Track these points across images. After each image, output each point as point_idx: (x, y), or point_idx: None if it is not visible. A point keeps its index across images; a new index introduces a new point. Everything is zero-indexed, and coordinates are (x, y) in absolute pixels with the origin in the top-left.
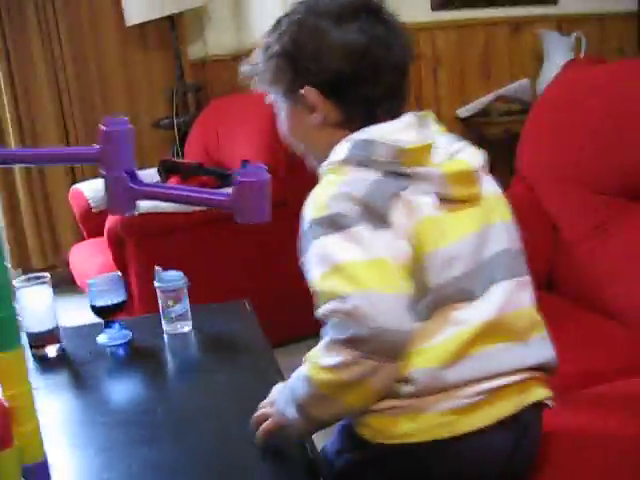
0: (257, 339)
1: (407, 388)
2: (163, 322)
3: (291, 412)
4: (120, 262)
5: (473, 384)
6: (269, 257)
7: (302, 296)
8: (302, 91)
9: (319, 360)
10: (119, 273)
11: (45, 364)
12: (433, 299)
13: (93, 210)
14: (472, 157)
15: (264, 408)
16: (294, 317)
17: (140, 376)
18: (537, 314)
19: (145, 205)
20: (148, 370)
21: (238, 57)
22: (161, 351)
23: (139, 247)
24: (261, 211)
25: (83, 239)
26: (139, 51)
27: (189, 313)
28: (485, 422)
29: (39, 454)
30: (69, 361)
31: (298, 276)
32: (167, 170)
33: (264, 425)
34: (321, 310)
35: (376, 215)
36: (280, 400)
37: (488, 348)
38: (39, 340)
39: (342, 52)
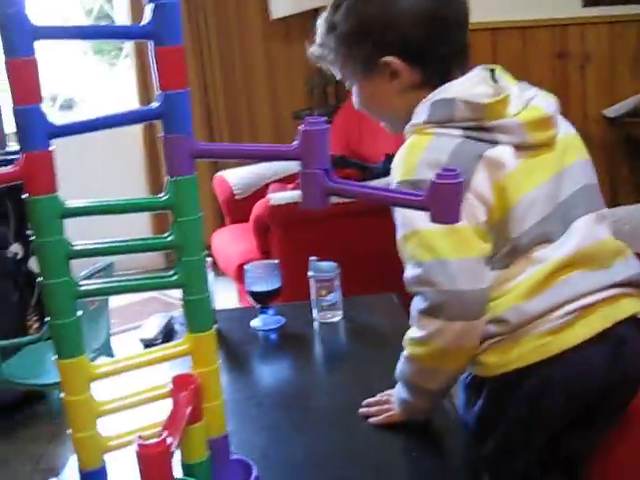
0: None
1: (500, 328)
2: (314, 310)
3: (409, 395)
4: (265, 249)
5: (557, 309)
6: None
7: None
8: (383, 60)
9: (413, 335)
10: (276, 261)
11: None
12: (514, 247)
13: (236, 197)
14: (546, 102)
15: (378, 403)
16: None
17: (293, 361)
18: (617, 242)
19: (291, 195)
20: (300, 356)
21: None
22: (312, 338)
23: (284, 235)
24: (455, 212)
25: (223, 224)
26: (281, 43)
27: (340, 303)
28: (579, 339)
29: (222, 428)
30: (225, 342)
31: None
32: None
33: (383, 417)
34: (405, 276)
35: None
36: (396, 390)
37: (567, 277)
38: None
39: (413, 17)
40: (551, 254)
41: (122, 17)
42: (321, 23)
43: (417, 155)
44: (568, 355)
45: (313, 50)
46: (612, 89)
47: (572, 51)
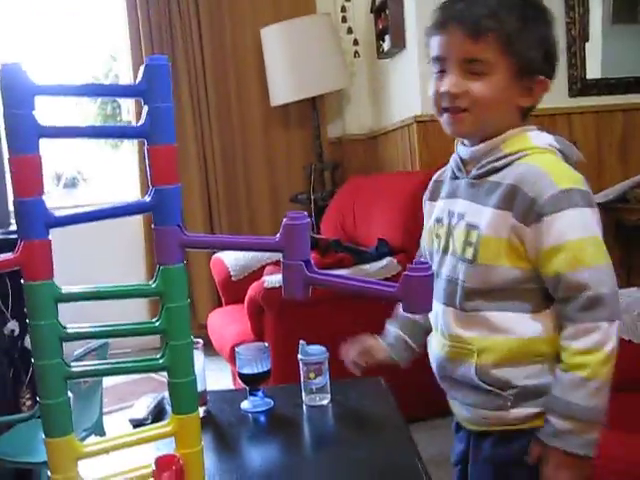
0: (394, 417)
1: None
2: (303, 393)
3: (594, 435)
4: (258, 331)
5: None
6: None
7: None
8: (541, 77)
9: (580, 346)
10: (266, 343)
11: None
12: None
13: (232, 278)
14: None
15: None
16: (421, 397)
17: (280, 444)
18: None
19: None
20: (288, 439)
21: (374, 136)
22: (300, 422)
23: (278, 318)
24: (427, 302)
25: (220, 305)
26: (281, 129)
27: (328, 386)
28: None
29: None
30: (215, 423)
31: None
32: None
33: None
34: (577, 279)
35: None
36: (575, 445)
37: None
38: None
39: (556, 50)
40: None
41: (127, 101)
42: (509, 5)
43: (570, 171)
44: None
45: (484, 15)
46: (600, 175)
47: None
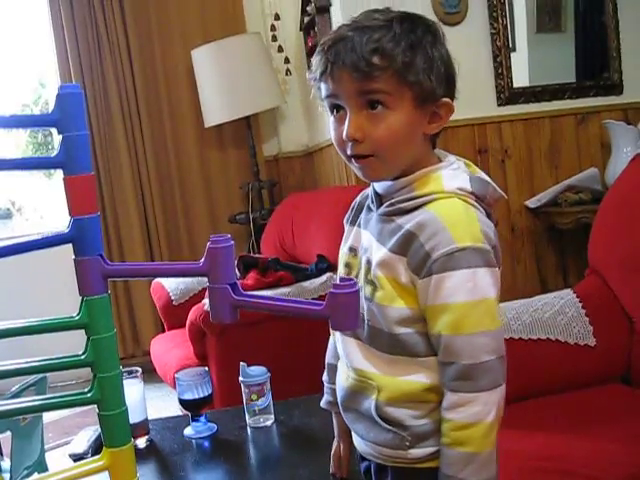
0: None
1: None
2: (247, 416)
3: None
4: (201, 355)
5: None
6: None
7: None
8: (444, 100)
9: (462, 420)
10: (206, 368)
11: (135, 454)
12: None
13: (173, 303)
14: None
15: None
16: None
17: (227, 469)
18: None
19: None
20: (234, 463)
21: (309, 153)
22: (245, 444)
23: (220, 340)
24: (354, 320)
25: (163, 330)
26: (216, 150)
27: (271, 407)
28: None
29: None
30: (158, 452)
31: None
32: (246, 265)
33: None
34: (455, 344)
35: (497, 260)
36: None
37: None
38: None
39: (452, 66)
40: None
41: None
42: (397, 37)
43: (476, 224)
44: None
45: (369, 54)
46: (531, 181)
47: (492, 147)
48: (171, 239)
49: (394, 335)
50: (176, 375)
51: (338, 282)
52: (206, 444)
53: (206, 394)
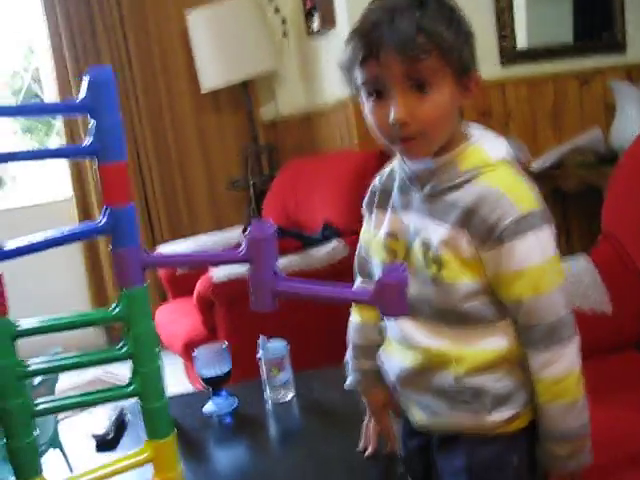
0: (360, 406)
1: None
2: (267, 390)
3: (589, 443)
4: (210, 325)
5: None
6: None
7: None
8: (475, 72)
9: (557, 372)
10: (225, 343)
11: None
12: None
13: (177, 272)
14: None
15: None
16: None
17: (251, 446)
18: None
19: (235, 271)
20: (258, 440)
21: (308, 117)
22: (267, 420)
23: (229, 311)
24: (403, 306)
25: (165, 300)
26: (213, 115)
27: (292, 381)
28: None
29: None
30: (179, 430)
31: None
32: None
33: None
34: (537, 306)
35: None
36: (580, 461)
37: None
38: None
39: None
40: None
41: (51, 95)
42: (433, 15)
43: (528, 188)
44: None
45: (417, 35)
46: (535, 143)
47: (495, 110)
48: (169, 206)
49: (462, 310)
50: (194, 353)
51: (387, 269)
52: (228, 420)
53: (226, 370)
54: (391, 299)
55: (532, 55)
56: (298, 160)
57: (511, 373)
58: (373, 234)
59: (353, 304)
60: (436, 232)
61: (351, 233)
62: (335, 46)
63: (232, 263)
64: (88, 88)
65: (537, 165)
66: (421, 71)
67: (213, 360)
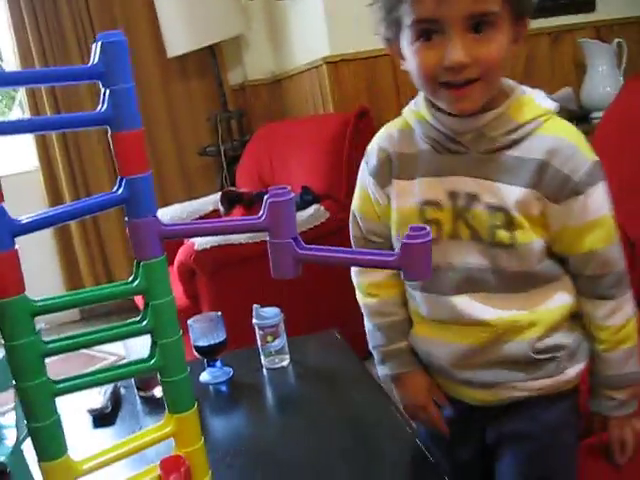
0: (356, 368)
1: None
2: (262, 357)
3: None
4: (192, 294)
5: None
6: (337, 275)
7: None
8: (528, 22)
9: (618, 322)
10: (219, 312)
11: (153, 405)
12: None
13: None
14: None
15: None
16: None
17: (250, 415)
18: None
19: (215, 238)
20: (257, 408)
21: (277, 81)
22: (264, 387)
23: (212, 280)
24: (427, 269)
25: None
26: (180, 81)
27: (287, 347)
28: None
29: None
30: None
31: None
32: (230, 201)
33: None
34: (611, 253)
35: None
36: (634, 405)
37: None
38: (146, 382)
39: None
40: None
41: (11, 65)
42: None
43: (583, 137)
44: None
45: None
46: None
47: None
48: None
49: (535, 271)
50: (188, 322)
51: (411, 232)
52: (224, 389)
53: (221, 339)
54: (418, 261)
55: None
56: (271, 124)
57: (575, 327)
58: (392, 206)
59: (362, 287)
60: (508, 193)
61: (330, 197)
62: (307, 8)
63: (252, 231)
64: (101, 53)
65: None
66: (485, 12)
67: (207, 330)
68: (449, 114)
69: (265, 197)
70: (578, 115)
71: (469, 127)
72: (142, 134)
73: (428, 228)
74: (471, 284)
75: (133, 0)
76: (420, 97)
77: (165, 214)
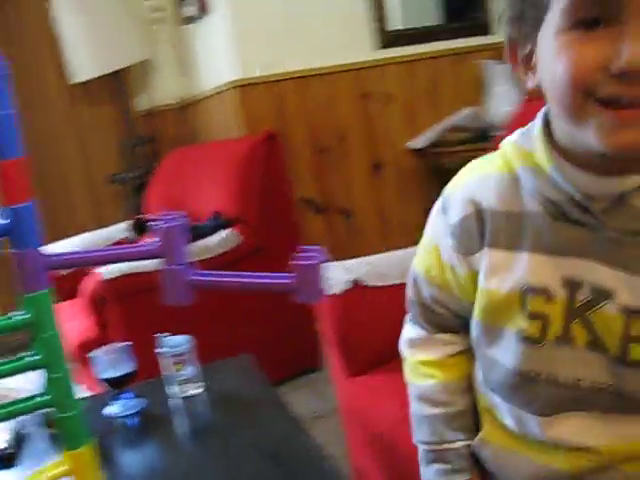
0: (268, 392)
1: None
2: (172, 386)
3: None
4: (102, 323)
5: None
6: (248, 302)
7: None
8: None
9: None
10: (128, 343)
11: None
12: None
13: (61, 272)
14: None
15: None
16: (281, 361)
17: (163, 446)
18: None
19: (122, 266)
20: (169, 439)
21: (185, 106)
22: (176, 417)
23: (123, 308)
24: (320, 289)
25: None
26: (87, 107)
27: (199, 374)
28: None
29: None
30: None
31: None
32: (140, 228)
33: None
34: None
35: None
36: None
37: None
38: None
39: None
40: None
41: None
42: None
43: None
44: None
45: None
46: (414, 123)
47: (375, 91)
48: (46, 205)
49: None
50: (91, 355)
51: (301, 253)
52: (134, 421)
53: (129, 369)
54: (311, 282)
55: (408, 37)
56: (181, 150)
57: None
58: (479, 283)
59: (414, 363)
60: None
61: (242, 221)
62: (213, 31)
63: (145, 258)
64: None
65: (418, 143)
66: None
67: (115, 361)
68: (585, 166)
69: (158, 224)
70: (483, 133)
71: (609, 189)
72: (23, 162)
73: (319, 249)
74: (578, 403)
75: (35, 22)
76: (536, 128)
77: (75, 243)
